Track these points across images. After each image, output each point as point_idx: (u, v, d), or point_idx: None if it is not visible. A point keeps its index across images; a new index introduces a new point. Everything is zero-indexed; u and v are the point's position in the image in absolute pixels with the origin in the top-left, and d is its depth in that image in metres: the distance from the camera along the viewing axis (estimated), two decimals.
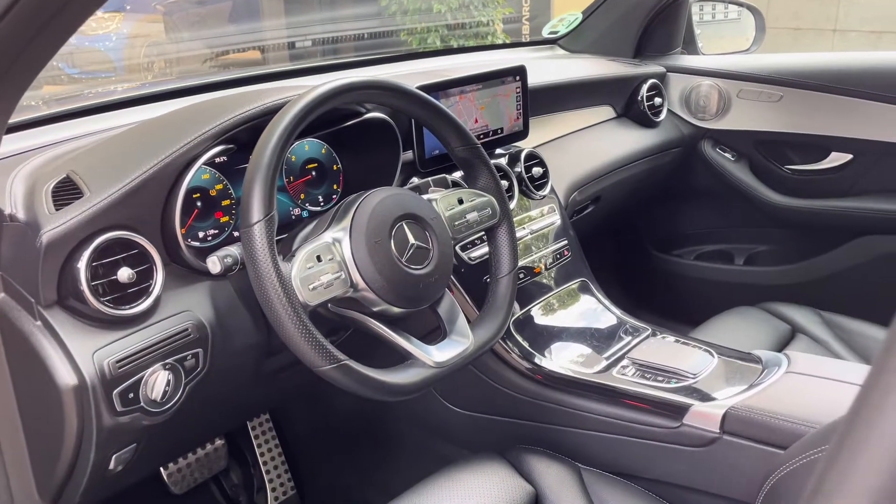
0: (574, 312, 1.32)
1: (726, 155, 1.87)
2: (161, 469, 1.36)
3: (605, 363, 1.19)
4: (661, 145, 1.80)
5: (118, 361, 0.83)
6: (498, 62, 1.44)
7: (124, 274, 0.85)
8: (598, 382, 1.15)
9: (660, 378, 1.13)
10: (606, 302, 1.37)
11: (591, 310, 1.34)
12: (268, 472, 1.52)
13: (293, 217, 1.13)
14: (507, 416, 1.24)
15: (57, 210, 0.83)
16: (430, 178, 1.20)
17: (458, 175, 1.25)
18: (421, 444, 1.37)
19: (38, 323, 0.84)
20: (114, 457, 0.90)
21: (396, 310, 0.91)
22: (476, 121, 1.29)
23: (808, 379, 1.04)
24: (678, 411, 1.07)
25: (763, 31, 2.07)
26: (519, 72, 1.36)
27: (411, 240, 0.91)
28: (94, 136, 1.03)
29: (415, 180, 1.20)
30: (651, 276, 2.08)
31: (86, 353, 0.82)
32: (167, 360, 0.88)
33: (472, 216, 1.00)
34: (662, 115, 1.82)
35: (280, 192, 1.10)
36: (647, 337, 1.25)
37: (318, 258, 0.85)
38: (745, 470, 1.00)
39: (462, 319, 0.97)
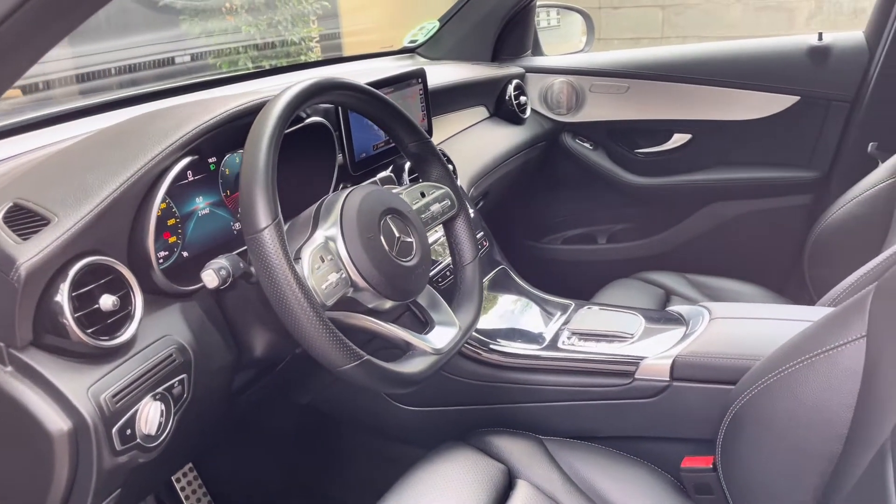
0: (504, 297, 1.39)
1: (585, 145, 2.04)
2: None
3: (548, 338, 1.26)
4: (530, 140, 1.93)
5: (114, 396, 0.76)
6: (365, 72, 1.46)
7: (107, 301, 0.77)
8: (549, 355, 1.22)
9: (603, 342, 1.22)
10: (526, 285, 1.45)
11: (517, 293, 1.41)
12: None
13: (234, 232, 1.08)
14: (462, 404, 1.27)
15: (24, 240, 0.74)
16: (377, 178, 1.20)
17: (383, 175, 1.27)
18: (373, 452, 1.35)
19: (10, 368, 0.74)
20: None
21: (388, 304, 0.91)
22: None
23: (735, 321, 1.18)
24: (629, 367, 1.16)
25: (593, 33, 2.29)
26: (420, 74, 1.41)
27: (397, 234, 0.91)
28: (11, 160, 0.92)
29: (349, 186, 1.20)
30: (526, 264, 2.21)
31: (80, 391, 0.74)
32: (157, 390, 0.81)
33: (435, 208, 1.03)
34: (528, 113, 1.95)
35: (218, 207, 1.05)
36: (575, 309, 1.35)
37: (322, 258, 0.84)
38: (699, 410, 1.11)
39: (446, 307, 0.99)
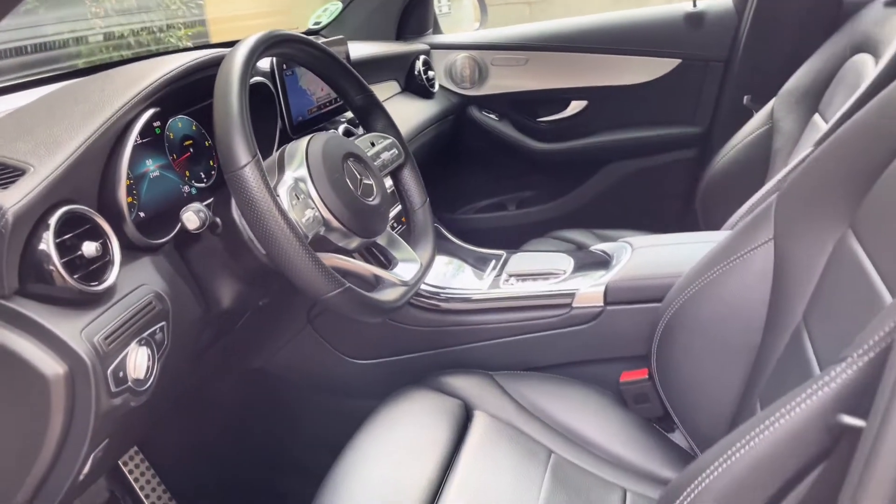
0: (441, 252, 1.46)
1: (491, 116, 2.16)
2: None
3: (489, 282, 1.35)
4: (440, 114, 2.01)
5: (106, 338, 0.77)
6: None
7: (90, 248, 0.78)
8: (491, 296, 1.30)
9: (539, 280, 1.32)
10: (458, 241, 1.53)
11: (452, 248, 1.49)
12: (154, 502, 1.40)
13: (185, 195, 1.10)
14: (412, 352, 1.33)
15: (3, 189, 0.74)
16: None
17: None
18: (328, 410, 1.38)
19: None
20: (91, 457, 0.82)
21: (355, 243, 0.96)
22: (322, 89, 1.36)
23: (655, 248, 1.31)
24: (566, 299, 1.26)
25: (486, 13, 2.41)
26: (342, 43, 1.45)
27: (358, 176, 0.97)
28: None
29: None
30: None
31: (74, 333, 0.75)
32: (142, 336, 0.83)
33: (384, 156, 1.08)
34: (436, 87, 2.03)
35: (167, 171, 1.06)
36: (508, 256, 1.44)
37: (297, 196, 0.88)
38: (632, 329, 1.23)
39: (405, 245, 1.05)
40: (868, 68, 1.45)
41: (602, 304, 1.24)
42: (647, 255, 1.29)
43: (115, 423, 0.82)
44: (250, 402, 1.41)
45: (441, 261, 1.47)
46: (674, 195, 2.11)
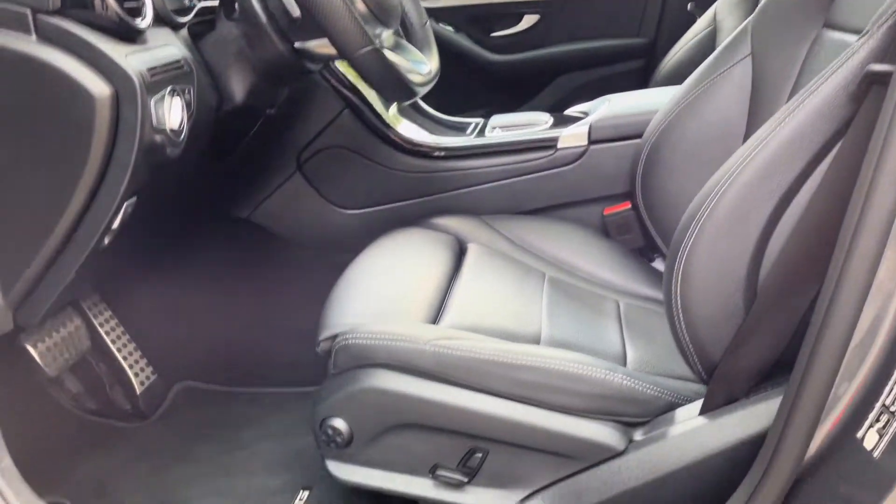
0: (420, 116, 1.49)
1: (448, 28, 2.20)
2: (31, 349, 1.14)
3: (475, 134, 1.39)
4: None
5: (149, 69, 0.77)
6: None
7: None
8: (479, 143, 1.34)
9: (524, 128, 1.37)
10: (431, 111, 1.55)
11: (429, 125, 1.50)
12: (130, 366, 1.35)
13: (186, 4, 1.09)
14: (403, 199, 1.35)
15: None
16: None
17: None
18: (319, 261, 1.36)
19: (34, 37, 0.72)
20: (123, 207, 0.81)
21: (372, 31, 0.98)
22: None
23: (633, 97, 1.38)
24: (550, 142, 1.32)
25: None
26: None
27: None
28: None
29: None
30: None
31: (121, 55, 0.74)
32: (175, 87, 0.83)
33: None
34: None
35: None
36: (488, 116, 1.48)
37: None
38: (614, 166, 1.29)
39: (413, 48, 1.08)
40: None
41: (586, 143, 1.31)
42: (626, 101, 1.37)
43: (148, 172, 0.81)
44: (235, 258, 1.38)
45: (425, 118, 1.49)
46: None
